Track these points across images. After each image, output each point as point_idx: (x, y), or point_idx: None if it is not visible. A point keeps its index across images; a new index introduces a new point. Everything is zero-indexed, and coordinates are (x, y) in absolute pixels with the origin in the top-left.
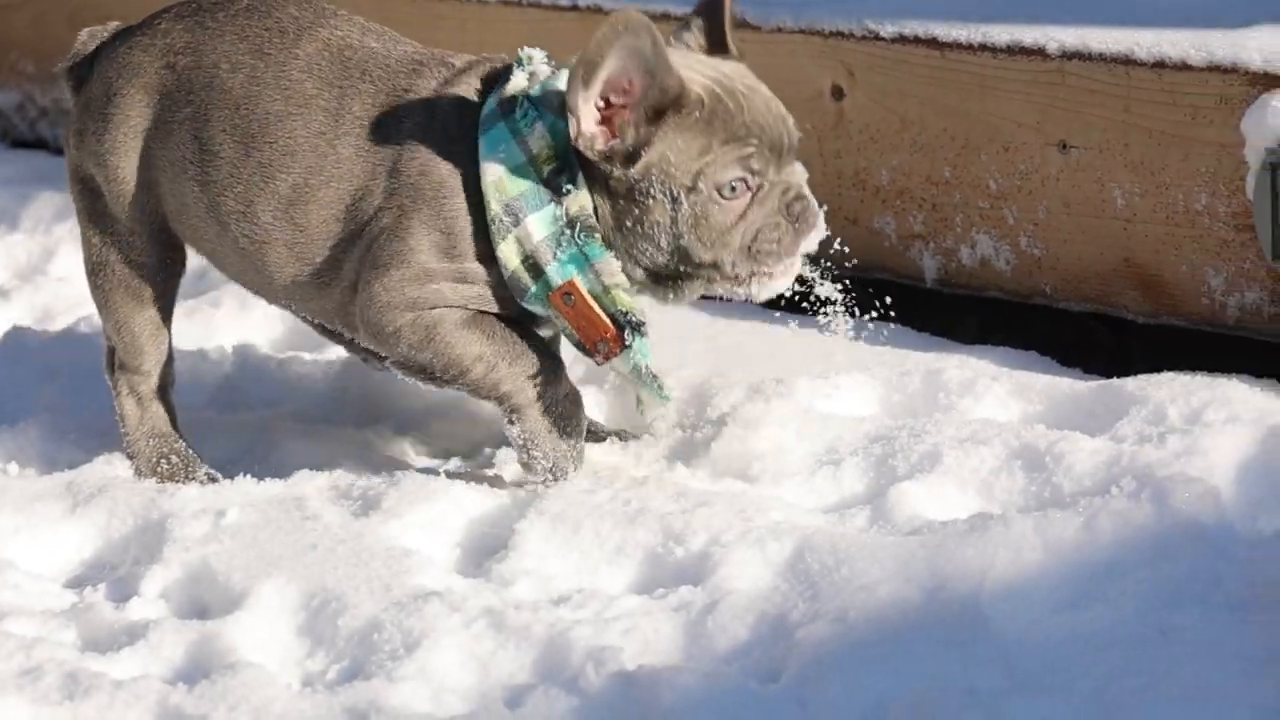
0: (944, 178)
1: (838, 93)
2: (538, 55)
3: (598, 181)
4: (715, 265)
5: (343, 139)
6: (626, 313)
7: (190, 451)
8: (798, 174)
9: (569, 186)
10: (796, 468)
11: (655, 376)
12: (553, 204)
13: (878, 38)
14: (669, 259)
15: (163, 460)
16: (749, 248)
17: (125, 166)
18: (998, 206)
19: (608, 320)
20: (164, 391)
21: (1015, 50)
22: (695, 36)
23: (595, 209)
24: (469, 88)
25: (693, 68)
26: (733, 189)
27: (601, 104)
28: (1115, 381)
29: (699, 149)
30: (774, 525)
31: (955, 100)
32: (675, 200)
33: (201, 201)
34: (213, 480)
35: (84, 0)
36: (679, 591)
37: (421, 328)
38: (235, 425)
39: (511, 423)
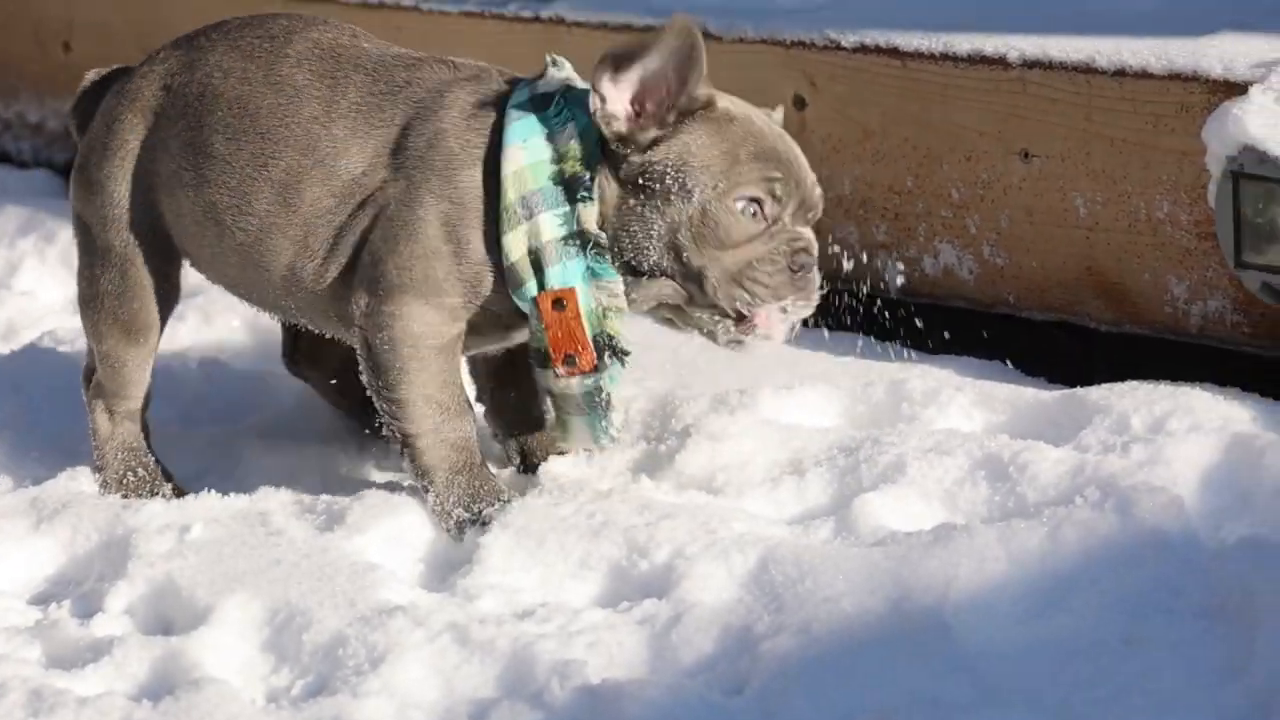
0: (906, 187)
1: (800, 102)
2: (563, 61)
3: (608, 172)
4: (699, 275)
5: (336, 122)
6: (613, 338)
7: (158, 467)
8: (812, 236)
9: (585, 194)
10: (760, 479)
11: (608, 409)
12: (568, 207)
13: (839, 47)
14: (656, 254)
15: (129, 473)
16: (740, 272)
17: (123, 191)
18: (960, 216)
19: (588, 338)
20: (139, 411)
21: (976, 59)
22: None
23: (600, 215)
24: (484, 83)
25: (741, 104)
26: (750, 204)
27: (636, 106)
28: (1079, 391)
29: (725, 153)
30: (738, 537)
31: (917, 109)
32: (687, 192)
33: (198, 206)
34: (178, 495)
35: (47, 13)
36: (643, 605)
37: (413, 331)
38: (199, 440)
39: (419, 481)
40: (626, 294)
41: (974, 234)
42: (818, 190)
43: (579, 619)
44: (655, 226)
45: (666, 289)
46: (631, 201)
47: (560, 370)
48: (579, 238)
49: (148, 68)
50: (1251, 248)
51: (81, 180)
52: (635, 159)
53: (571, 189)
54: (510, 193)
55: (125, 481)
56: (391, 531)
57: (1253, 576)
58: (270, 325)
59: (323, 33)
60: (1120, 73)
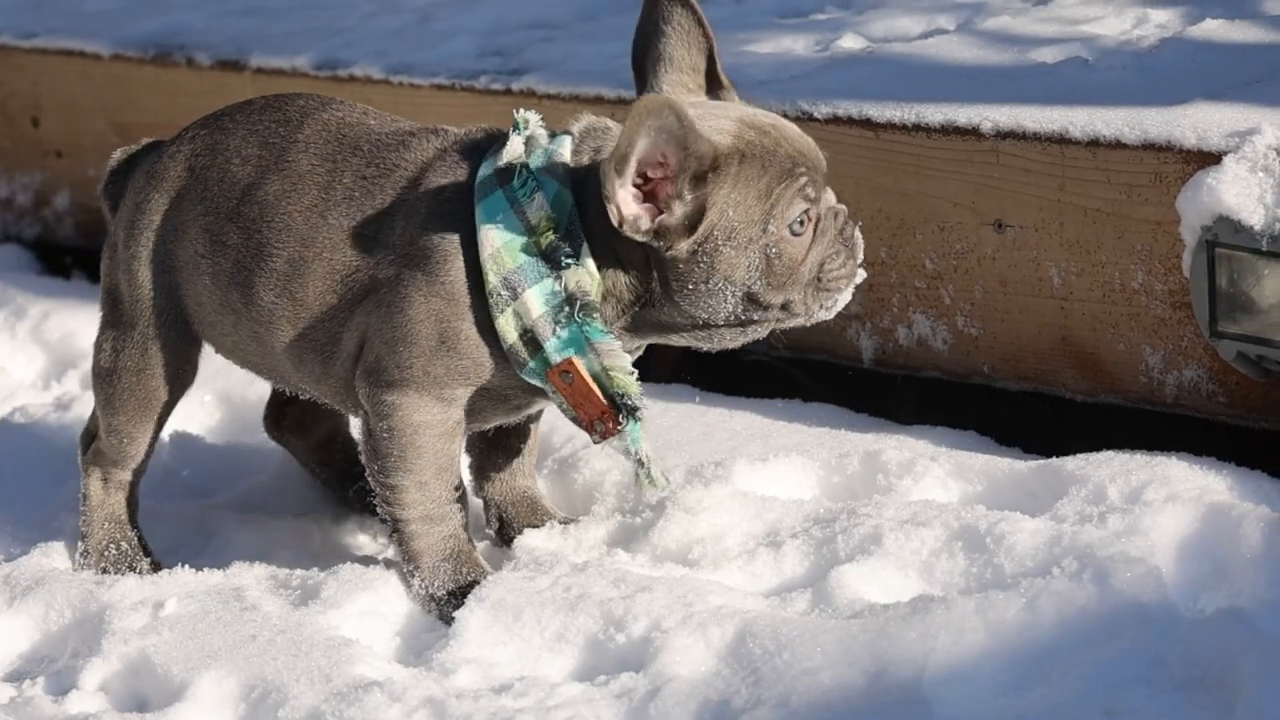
0: (880, 258)
1: None
2: (534, 119)
3: (618, 254)
4: (786, 305)
5: (332, 210)
6: (624, 394)
7: (141, 544)
8: (832, 197)
9: (569, 260)
10: (736, 551)
11: (645, 463)
12: (551, 278)
13: (811, 118)
14: (734, 310)
15: (111, 545)
16: (817, 279)
17: (148, 272)
18: (934, 286)
19: (605, 400)
20: (134, 484)
21: (949, 130)
22: (688, 77)
23: (613, 282)
24: (459, 156)
25: (710, 114)
26: (801, 223)
27: (640, 180)
28: (1054, 461)
29: (758, 194)
30: (715, 610)
31: (890, 180)
32: (746, 248)
33: (215, 295)
34: (155, 571)
35: (15, 88)
36: (621, 678)
37: (413, 422)
38: (172, 514)
39: (406, 565)
40: (709, 342)
41: (948, 304)
42: (818, 150)
43: (556, 693)
44: (727, 292)
45: (751, 331)
46: (693, 281)
47: (594, 438)
48: (568, 304)
49: (175, 147)
50: (1226, 317)
51: (111, 256)
52: (681, 246)
53: (551, 258)
54: (491, 276)
55: (106, 554)
56: (367, 606)
57: (1232, 647)
58: (243, 399)
59: (333, 113)
60: (1094, 143)
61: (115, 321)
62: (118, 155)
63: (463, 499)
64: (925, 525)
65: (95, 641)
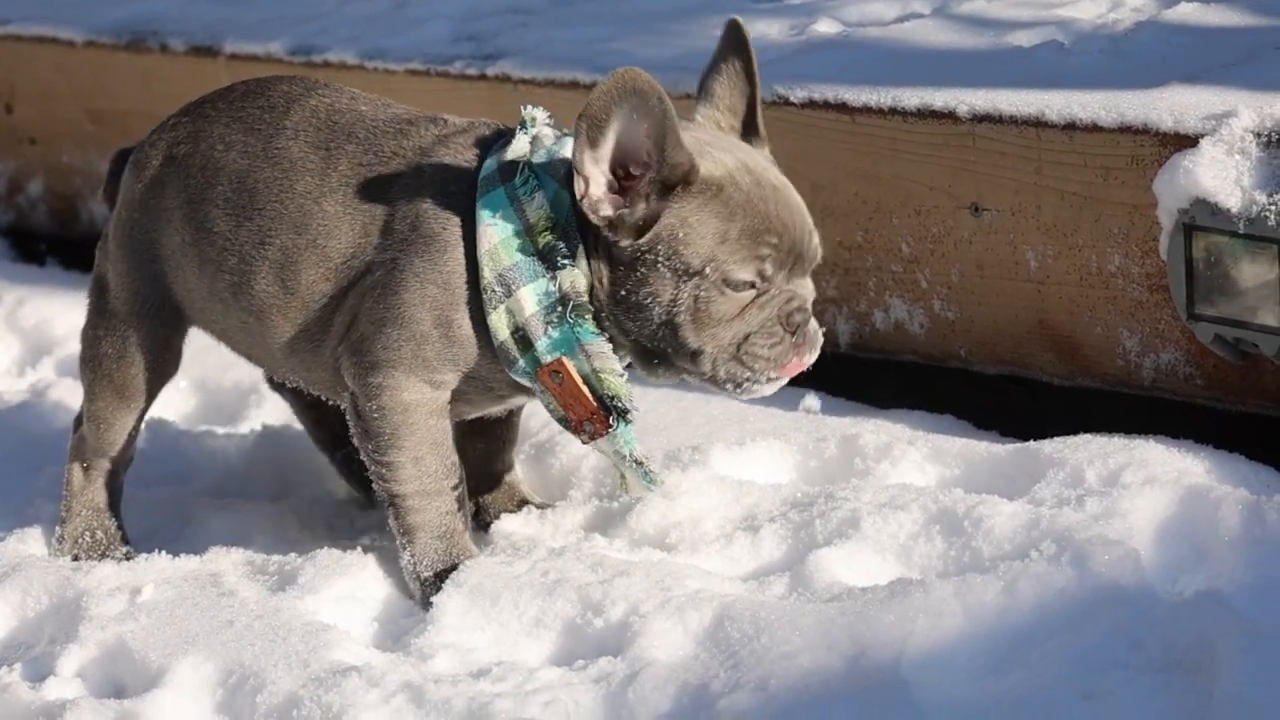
0: (856, 242)
1: None
2: (540, 116)
3: (601, 249)
4: (697, 355)
5: (328, 197)
6: (614, 397)
7: (119, 533)
8: (807, 288)
9: (565, 261)
10: (714, 536)
11: (640, 463)
12: (546, 278)
13: (787, 103)
14: (656, 334)
15: (87, 533)
16: (738, 347)
17: (131, 260)
18: (911, 270)
19: (594, 401)
20: (115, 473)
21: (925, 114)
22: (723, 116)
23: (594, 282)
24: (463, 147)
25: (720, 147)
26: (740, 285)
27: (621, 172)
28: (1032, 444)
29: (715, 233)
30: (693, 594)
31: (866, 164)
32: (679, 277)
33: (203, 283)
34: (129, 559)
35: None
36: (599, 663)
37: (403, 402)
38: (148, 501)
39: (400, 539)
40: (650, 370)
41: (925, 288)
42: (815, 240)
43: (534, 678)
44: (652, 310)
45: (677, 370)
46: (624, 290)
47: (583, 438)
48: (561, 305)
49: (156, 136)
50: (1204, 300)
51: (102, 246)
52: (625, 243)
53: (548, 258)
54: (487, 272)
55: (81, 540)
56: (344, 591)
57: (1210, 629)
58: (218, 386)
59: (320, 98)
60: (1070, 126)
61: (101, 309)
62: (114, 156)
63: (458, 475)
64: (903, 509)
65: (72, 628)
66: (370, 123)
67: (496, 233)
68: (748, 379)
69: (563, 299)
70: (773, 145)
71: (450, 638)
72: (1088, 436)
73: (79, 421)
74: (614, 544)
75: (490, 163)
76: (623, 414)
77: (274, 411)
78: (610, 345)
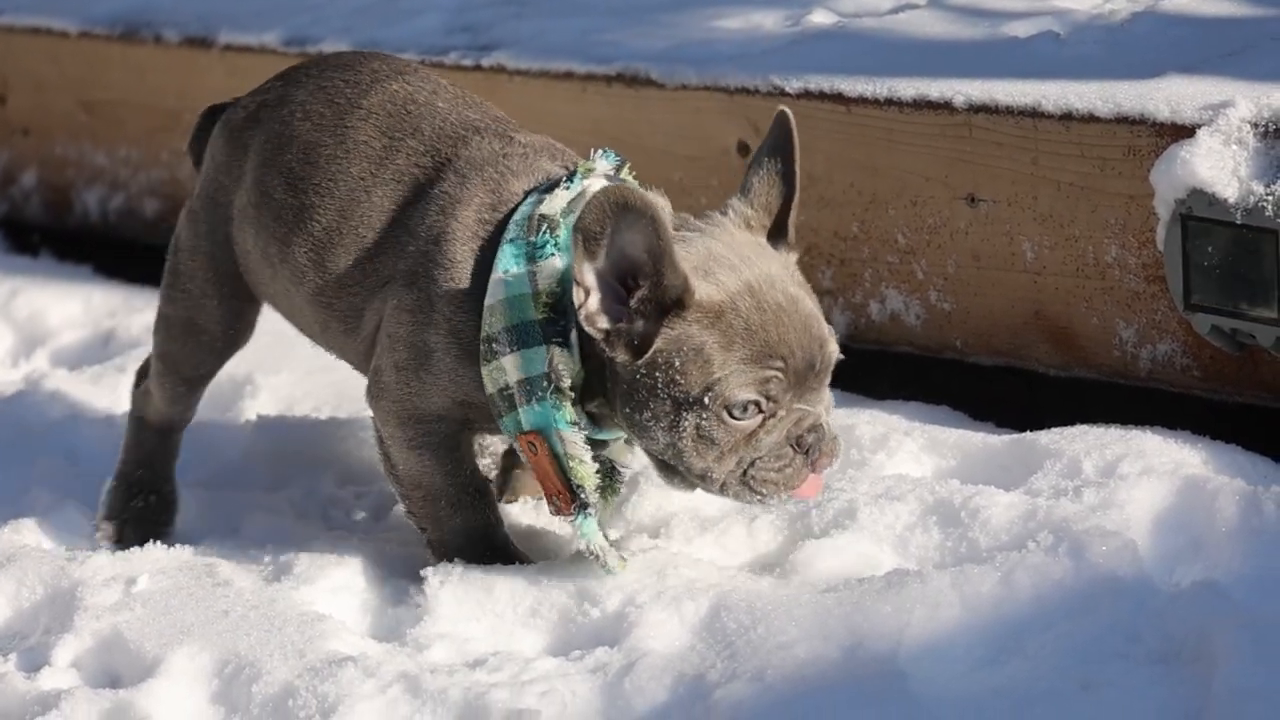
0: (852, 233)
1: (744, 149)
2: (603, 165)
3: (604, 361)
4: (704, 477)
5: (378, 189)
6: (579, 487)
7: (173, 494)
8: (822, 401)
9: (556, 340)
10: (710, 526)
11: (599, 555)
12: (541, 347)
13: (783, 93)
14: (663, 452)
15: (136, 499)
16: (745, 471)
17: (209, 223)
18: (907, 261)
19: (561, 483)
20: (173, 432)
21: (921, 104)
22: (755, 214)
23: (590, 372)
24: (514, 174)
25: (727, 263)
26: (744, 410)
27: (631, 282)
28: (1029, 435)
29: (714, 361)
30: (689, 584)
31: (862, 155)
32: (679, 405)
33: (258, 246)
34: (163, 528)
35: None
36: (595, 653)
37: (402, 430)
38: None
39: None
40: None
41: (921, 279)
42: (828, 348)
43: (531, 668)
44: (657, 435)
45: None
46: (630, 405)
47: (551, 510)
48: (548, 382)
49: (248, 98)
50: (1200, 290)
51: (188, 205)
52: (623, 359)
53: (547, 330)
54: (486, 326)
55: (129, 506)
56: (339, 582)
57: (1208, 620)
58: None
59: (404, 84)
60: (1067, 116)
61: (175, 270)
62: (203, 112)
63: (484, 496)
64: (899, 500)
65: (67, 618)
66: (440, 121)
67: (504, 290)
68: (759, 501)
69: (547, 376)
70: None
71: (446, 628)
72: (1084, 427)
73: (142, 374)
74: (610, 533)
75: (527, 207)
76: (584, 506)
77: (269, 402)
78: (583, 435)
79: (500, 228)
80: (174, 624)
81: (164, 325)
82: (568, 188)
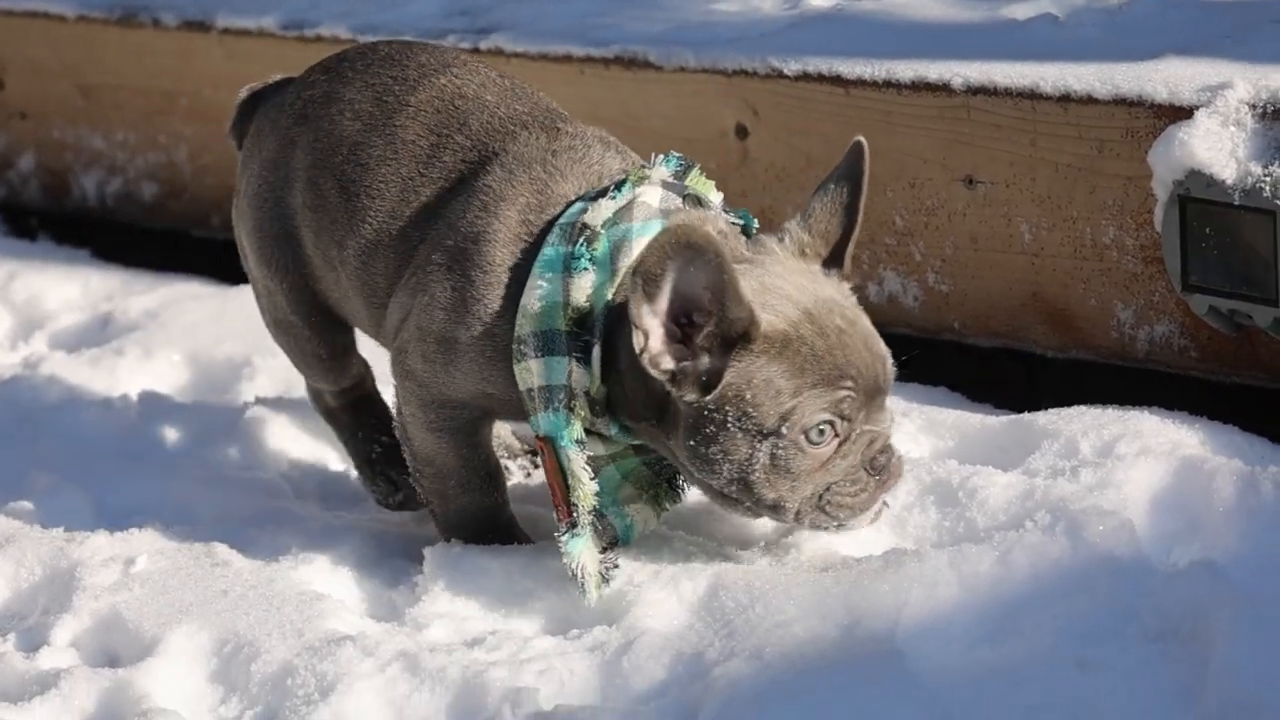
0: None
1: (742, 131)
2: (661, 173)
3: (638, 374)
4: (776, 507)
5: (426, 187)
6: (574, 506)
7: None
8: (886, 420)
9: (579, 355)
10: (708, 506)
11: (579, 577)
12: (564, 358)
13: (782, 75)
14: (728, 487)
15: (374, 445)
16: (820, 497)
17: (262, 222)
18: (905, 243)
19: (563, 494)
20: (364, 396)
21: (920, 86)
22: (811, 241)
23: (615, 390)
24: (562, 176)
25: (780, 292)
26: (820, 434)
27: (684, 320)
28: (1026, 416)
29: (787, 389)
30: (687, 564)
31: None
32: (753, 438)
33: (318, 251)
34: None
35: None
36: (593, 632)
37: (423, 412)
38: (141, 473)
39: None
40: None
41: (919, 261)
42: (888, 367)
43: (529, 646)
44: (723, 466)
45: (745, 510)
46: (695, 439)
47: (555, 515)
48: (564, 394)
49: (294, 93)
50: (1198, 271)
51: (236, 207)
52: (691, 399)
53: (573, 342)
54: (518, 328)
55: (373, 456)
56: (338, 561)
57: (1205, 599)
58: (210, 359)
59: (452, 78)
60: (1065, 98)
61: (250, 275)
62: (243, 94)
63: (494, 481)
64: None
65: (66, 598)
66: (487, 116)
67: (539, 296)
68: (835, 527)
69: (567, 389)
70: (766, 118)
71: (444, 607)
72: (1082, 408)
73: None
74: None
75: (573, 213)
76: (574, 525)
77: (267, 384)
78: (585, 457)
79: (544, 230)
80: (172, 604)
81: (270, 329)
82: (614, 197)
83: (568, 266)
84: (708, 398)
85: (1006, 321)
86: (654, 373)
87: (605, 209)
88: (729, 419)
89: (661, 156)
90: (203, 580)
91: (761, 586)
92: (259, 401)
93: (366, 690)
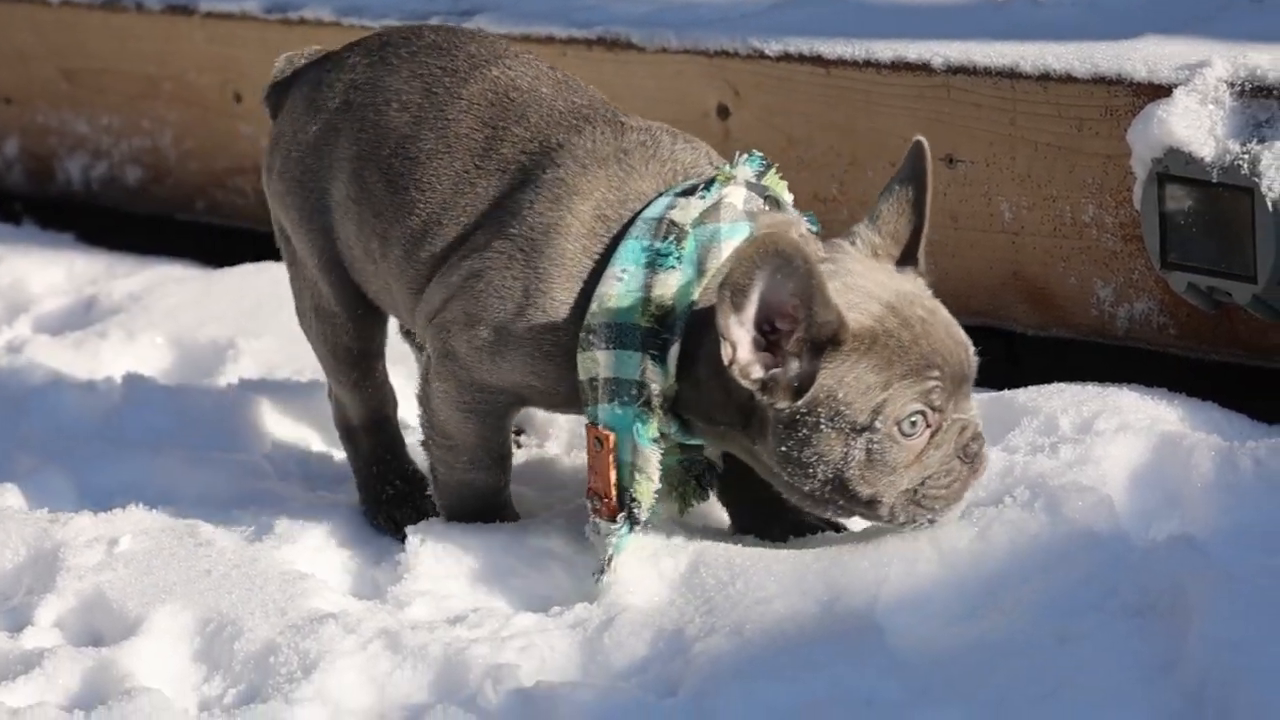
0: (831, 194)
1: (723, 112)
2: (746, 172)
3: (718, 376)
4: (872, 504)
5: (483, 180)
6: (635, 501)
7: (419, 474)
8: (972, 407)
9: (656, 352)
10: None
11: (607, 568)
12: (636, 353)
13: (763, 56)
14: (822, 489)
15: (388, 487)
16: (915, 490)
17: (304, 210)
18: None
19: (614, 490)
20: (384, 420)
21: (900, 66)
22: (882, 242)
23: (685, 388)
24: (639, 174)
25: (860, 289)
26: (913, 424)
27: (767, 327)
28: (1006, 393)
29: (877, 383)
30: (667, 540)
31: (841, 117)
32: (847, 435)
33: (360, 243)
34: (420, 513)
35: None
36: (575, 609)
37: (465, 402)
38: (124, 455)
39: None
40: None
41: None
42: (971, 354)
43: (510, 624)
44: (818, 468)
45: (833, 511)
46: (787, 444)
47: (587, 505)
48: (636, 389)
49: (334, 74)
50: (1177, 249)
51: (269, 186)
52: (782, 405)
53: (650, 340)
54: (590, 315)
55: (384, 497)
56: (320, 541)
57: (1183, 574)
58: (193, 341)
59: (504, 70)
60: (1045, 77)
61: (292, 258)
62: (280, 63)
63: (502, 465)
64: None
65: (50, 578)
66: (547, 109)
67: (618, 287)
68: (928, 519)
69: (641, 386)
70: (747, 98)
71: (426, 585)
72: (1061, 385)
73: (330, 389)
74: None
75: (659, 207)
76: (632, 519)
77: (250, 366)
78: (658, 456)
79: (623, 226)
80: (156, 583)
81: (301, 319)
82: (703, 196)
83: (653, 262)
84: (799, 402)
85: (987, 300)
86: (745, 383)
87: (694, 208)
88: (821, 420)
89: (745, 155)
90: (186, 560)
91: (742, 563)
92: (242, 383)
93: (348, 668)
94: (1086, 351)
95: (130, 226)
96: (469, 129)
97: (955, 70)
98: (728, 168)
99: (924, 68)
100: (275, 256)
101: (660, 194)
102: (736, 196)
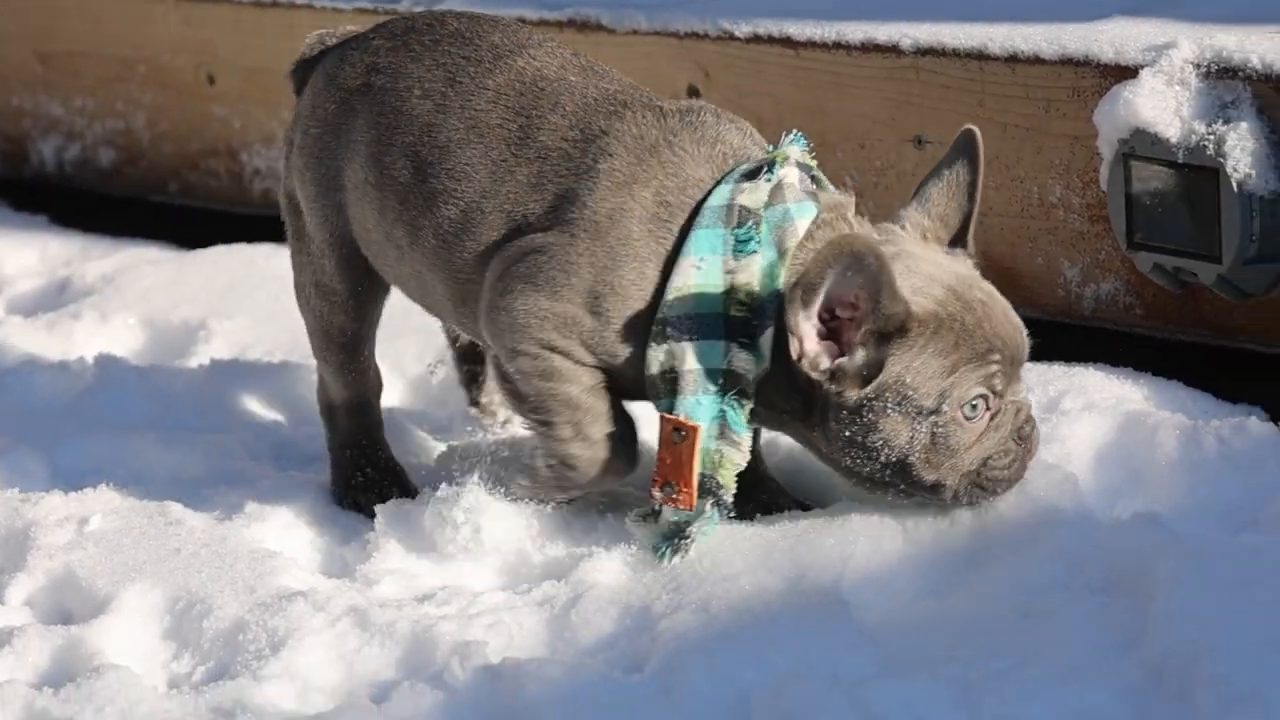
0: None
1: (694, 93)
2: (795, 153)
3: (793, 372)
4: (936, 487)
5: (523, 167)
6: (722, 487)
7: (391, 465)
8: (1024, 389)
9: (746, 340)
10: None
11: (677, 549)
12: (723, 344)
13: (732, 38)
14: (883, 471)
15: (358, 473)
16: (977, 472)
17: (318, 184)
18: (855, 203)
19: (694, 479)
20: (366, 405)
21: (869, 47)
22: (932, 225)
23: (770, 376)
24: (692, 158)
25: (922, 273)
26: (974, 408)
27: (826, 315)
28: None
29: (942, 368)
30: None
31: (810, 98)
32: (913, 419)
33: (381, 228)
34: (411, 496)
35: None
36: (542, 586)
37: (544, 368)
38: (95, 435)
39: (535, 458)
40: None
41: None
42: (1025, 338)
43: (478, 601)
44: (882, 452)
45: (893, 493)
46: (851, 430)
47: (656, 494)
48: (723, 378)
49: (357, 56)
50: (1143, 229)
51: (288, 160)
52: (850, 394)
53: (735, 329)
54: (667, 307)
55: (354, 482)
56: (290, 520)
57: (1147, 551)
58: (165, 322)
59: (530, 60)
60: (1013, 58)
61: (298, 232)
62: (311, 40)
63: (623, 455)
64: None
65: (20, 557)
66: (580, 96)
67: (697, 277)
68: (988, 499)
69: (729, 374)
70: (717, 80)
71: (395, 564)
72: (1027, 365)
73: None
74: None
75: (725, 193)
76: (720, 504)
77: (222, 347)
78: (749, 439)
79: (685, 212)
80: (126, 562)
81: (299, 294)
82: (768, 179)
83: (733, 250)
84: (867, 389)
85: None
86: (814, 374)
87: (762, 191)
88: (889, 405)
89: (790, 135)
90: (156, 539)
91: (708, 541)
92: (214, 364)
93: (317, 645)
94: (1053, 331)
95: (104, 208)
96: (500, 119)
97: (924, 52)
98: (774, 149)
99: (893, 49)
100: (247, 238)
101: (719, 181)
102: (793, 176)
